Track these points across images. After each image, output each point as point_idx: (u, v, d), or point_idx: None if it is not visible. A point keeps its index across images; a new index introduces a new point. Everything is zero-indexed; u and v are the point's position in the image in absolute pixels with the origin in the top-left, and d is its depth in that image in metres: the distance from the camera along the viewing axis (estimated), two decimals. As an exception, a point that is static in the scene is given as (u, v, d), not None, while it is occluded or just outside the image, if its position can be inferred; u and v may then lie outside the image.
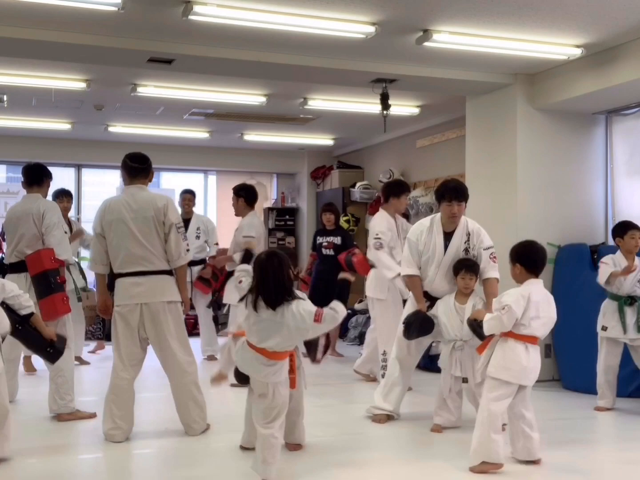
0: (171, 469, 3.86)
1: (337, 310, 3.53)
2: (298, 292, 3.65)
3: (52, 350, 4.00)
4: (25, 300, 3.89)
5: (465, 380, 4.52)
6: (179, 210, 7.64)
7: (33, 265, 4.70)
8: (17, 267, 4.86)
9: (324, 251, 7.62)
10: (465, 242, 4.61)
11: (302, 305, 3.50)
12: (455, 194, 4.56)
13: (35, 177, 5.01)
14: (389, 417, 4.79)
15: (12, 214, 5.00)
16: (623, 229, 5.23)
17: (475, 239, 4.62)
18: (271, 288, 3.47)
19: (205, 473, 3.81)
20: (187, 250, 4.41)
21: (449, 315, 4.53)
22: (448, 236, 4.63)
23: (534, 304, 3.70)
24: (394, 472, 3.81)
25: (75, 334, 5.99)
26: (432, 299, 4.68)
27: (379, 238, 5.69)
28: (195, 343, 7.44)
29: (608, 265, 5.14)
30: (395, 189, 5.97)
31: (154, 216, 4.29)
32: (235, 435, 4.20)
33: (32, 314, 3.91)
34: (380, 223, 5.80)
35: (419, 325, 4.53)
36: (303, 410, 4.16)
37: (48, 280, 4.65)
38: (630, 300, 5.13)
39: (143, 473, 3.91)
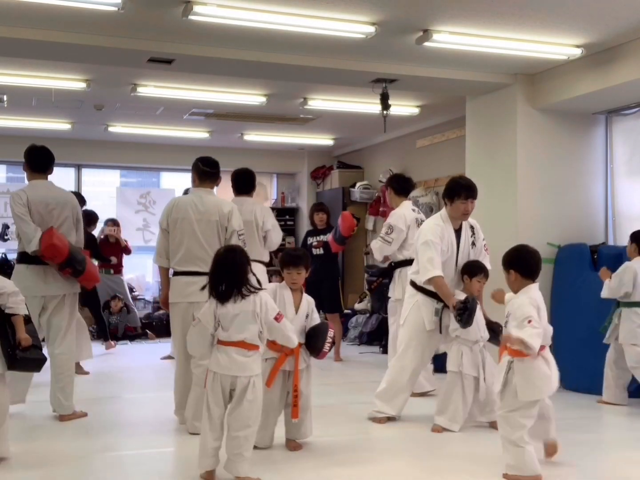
0: (170, 469, 3.85)
1: (291, 337, 3.72)
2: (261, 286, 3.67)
3: (16, 356, 3.79)
4: (14, 301, 3.82)
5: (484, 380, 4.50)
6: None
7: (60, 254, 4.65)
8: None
9: (314, 251, 7.61)
10: (471, 236, 4.69)
11: (268, 300, 3.61)
12: (470, 191, 4.62)
13: (49, 162, 4.86)
14: (389, 418, 4.79)
15: (43, 199, 4.67)
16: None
17: (477, 232, 4.73)
18: (225, 280, 3.52)
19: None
20: None
21: (478, 315, 4.46)
22: (457, 233, 4.68)
23: (542, 311, 3.62)
24: (395, 472, 3.80)
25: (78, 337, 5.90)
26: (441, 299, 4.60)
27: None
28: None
29: None
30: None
31: (218, 221, 4.53)
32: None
33: (14, 315, 3.82)
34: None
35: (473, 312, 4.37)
36: (311, 407, 4.19)
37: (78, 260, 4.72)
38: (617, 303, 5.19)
39: (142, 473, 3.90)
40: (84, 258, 4.75)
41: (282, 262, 4.19)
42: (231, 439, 3.48)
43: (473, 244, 4.69)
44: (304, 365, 4.11)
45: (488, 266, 4.68)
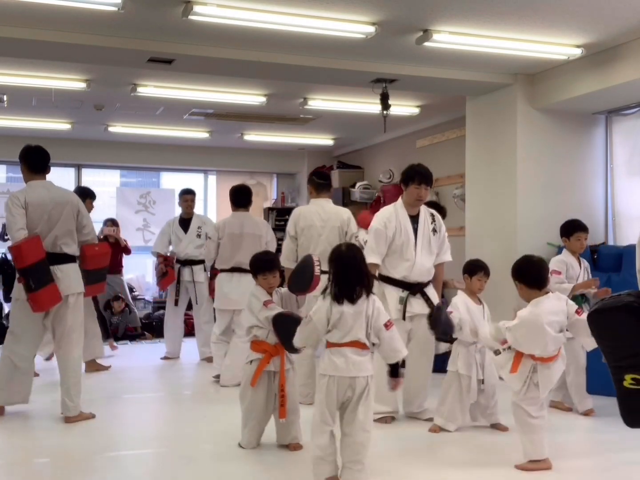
0: (170, 468, 3.85)
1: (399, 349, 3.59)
2: None
3: None
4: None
5: (482, 381, 4.48)
6: (180, 210, 7.68)
7: (93, 261, 5.00)
8: (60, 259, 4.67)
9: None
10: (432, 223, 4.79)
11: (380, 305, 3.55)
12: (425, 178, 4.74)
13: (45, 161, 4.81)
14: (393, 418, 4.78)
15: (42, 201, 4.62)
16: (569, 230, 5.27)
17: (438, 220, 4.83)
18: (351, 278, 3.42)
19: (204, 474, 3.81)
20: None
21: (473, 316, 4.45)
22: (414, 219, 4.75)
23: (559, 319, 3.72)
24: (394, 471, 3.80)
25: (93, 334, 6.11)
26: (410, 287, 4.66)
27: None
28: (192, 343, 7.46)
29: (561, 276, 5.11)
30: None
31: (340, 226, 5.32)
32: (234, 430, 4.21)
33: None
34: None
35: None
36: (299, 410, 4.15)
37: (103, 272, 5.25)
38: (583, 298, 5.14)
39: (142, 473, 3.90)
40: (48, 281, 4.51)
41: (256, 268, 4.14)
42: (348, 445, 3.40)
43: (434, 230, 4.77)
44: (289, 366, 4.09)
45: (448, 258, 4.84)
